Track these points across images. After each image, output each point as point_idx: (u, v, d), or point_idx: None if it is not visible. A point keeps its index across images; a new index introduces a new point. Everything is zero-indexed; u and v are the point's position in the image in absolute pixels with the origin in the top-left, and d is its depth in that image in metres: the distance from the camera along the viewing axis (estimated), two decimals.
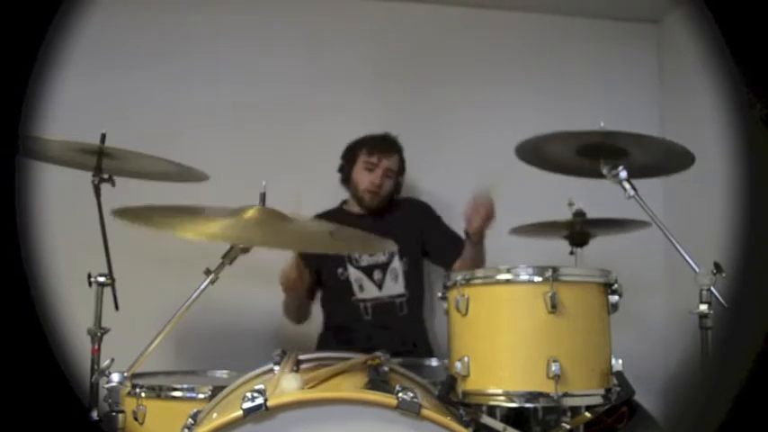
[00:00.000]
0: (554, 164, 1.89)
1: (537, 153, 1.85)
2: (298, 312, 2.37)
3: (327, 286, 2.40)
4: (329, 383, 1.34)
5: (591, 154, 1.73)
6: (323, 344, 2.36)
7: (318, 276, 2.39)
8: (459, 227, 2.61)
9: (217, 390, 1.57)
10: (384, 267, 2.37)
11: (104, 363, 1.36)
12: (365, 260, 2.36)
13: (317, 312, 2.46)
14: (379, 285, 2.36)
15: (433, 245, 2.44)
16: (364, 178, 2.35)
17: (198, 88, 2.68)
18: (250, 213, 1.46)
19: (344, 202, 2.49)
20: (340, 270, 2.36)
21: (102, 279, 1.69)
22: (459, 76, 2.88)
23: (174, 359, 2.37)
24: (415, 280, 2.41)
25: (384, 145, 2.38)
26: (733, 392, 0.89)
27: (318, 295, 2.44)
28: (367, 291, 2.35)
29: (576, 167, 1.85)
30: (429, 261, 2.50)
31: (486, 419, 1.45)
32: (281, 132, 2.72)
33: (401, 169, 2.44)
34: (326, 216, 2.37)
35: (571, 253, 2.23)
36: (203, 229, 1.44)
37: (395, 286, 2.36)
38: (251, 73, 2.74)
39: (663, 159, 1.82)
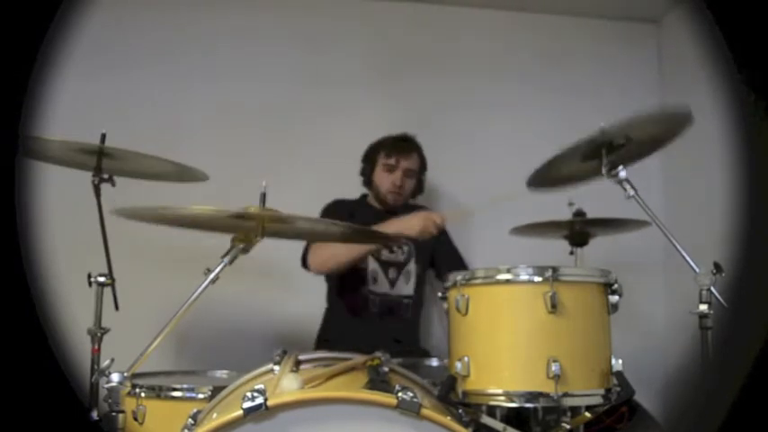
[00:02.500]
0: (562, 179, 1.90)
1: (545, 177, 1.86)
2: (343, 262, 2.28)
3: (345, 273, 2.37)
4: (329, 383, 1.34)
5: (595, 155, 1.73)
6: (322, 338, 2.37)
7: None
8: (455, 234, 2.62)
9: (217, 390, 1.57)
10: (400, 267, 2.39)
11: (104, 363, 1.35)
12: (385, 255, 2.38)
13: (316, 314, 2.46)
14: (392, 283, 2.37)
15: (440, 260, 2.46)
16: (385, 180, 2.37)
17: (198, 88, 2.69)
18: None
19: (365, 195, 2.50)
20: None
21: (102, 279, 1.69)
22: (459, 77, 2.88)
23: (174, 359, 2.37)
24: (422, 285, 2.43)
25: (402, 145, 2.39)
26: (733, 392, 0.89)
27: (325, 288, 2.44)
28: (379, 284, 2.36)
29: (581, 175, 1.85)
30: (432, 271, 2.51)
31: (485, 419, 1.45)
32: (281, 132, 2.72)
33: (422, 167, 2.46)
34: (348, 204, 2.41)
35: (571, 253, 2.23)
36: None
37: (405, 287, 2.38)
38: (251, 73, 2.74)
39: (662, 128, 1.81)
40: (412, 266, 2.40)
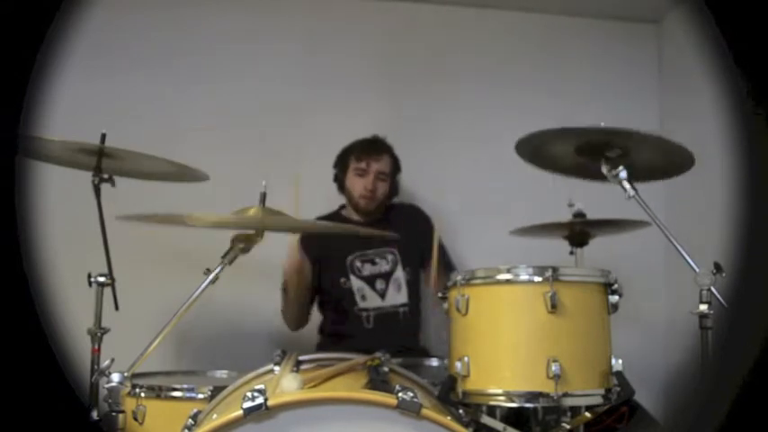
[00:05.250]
0: (553, 163, 1.89)
1: (537, 152, 1.85)
2: (297, 318, 2.34)
3: (329, 295, 2.38)
4: (329, 383, 1.34)
5: (590, 153, 1.73)
6: (321, 350, 2.36)
7: (319, 284, 2.37)
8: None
9: (217, 390, 1.57)
10: (387, 277, 2.36)
11: (104, 363, 1.36)
12: (367, 269, 2.35)
13: (315, 314, 2.46)
14: (382, 295, 2.35)
15: (425, 253, 2.35)
16: (357, 185, 2.34)
17: (198, 88, 2.68)
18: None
19: (342, 206, 2.47)
20: (342, 279, 2.34)
21: (102, 279, 1.69)
22: (459, 77, 2.88)
23: (174, 359, 2.37)
24: (416, 289, 2.40)
25: (372, 148, 2.36)
26: (733, 392, 0.89)
27: (316, 300, 2.43)
28: (369, 300, 2.34)
29: (575, 167, 1.85)
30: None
31: (485, 419, 1.45)
32: (281, 132, 2.72)
33: (394, 169, 2.42)
34: (324, 219, 2.35)
35: (571, 253, 2.23)
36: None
37: (398, 296, 2.35)
38: (251, 73, 2.74)
39: (662, 159, 1.82)
40: (400, 274, 2.37)
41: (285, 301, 2.25)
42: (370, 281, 2.35)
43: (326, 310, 2.42)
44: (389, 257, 2.37)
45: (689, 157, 1.71)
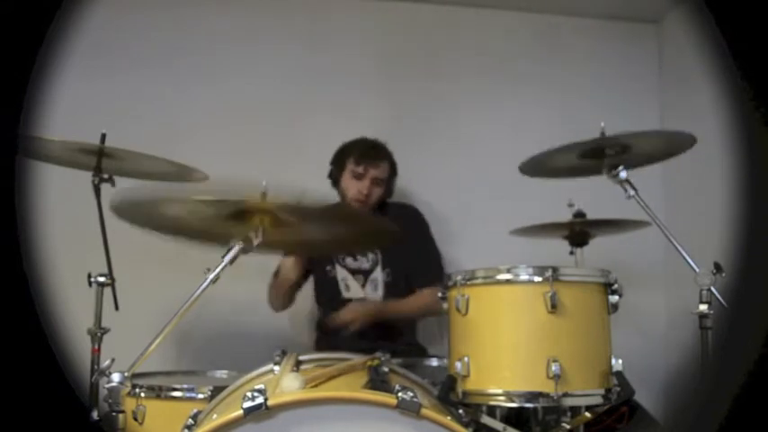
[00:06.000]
0: (558, 171, 1.91)
1: (541, 167, 1.86)
2: (283, 300, 2.39)
3: (318, 283, 2.42)
4: (329, 383, 1.34)
5: (594, 155, 1.74)
6: (318, 346, 2.37)
7: (309, 272, 2.40)
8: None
9: (217, 390, 1.57)
10: (366, 274, 2.35)
11: (104, 363, 1.35)
12: (350, 263, 2.35)
13: (315, 314, 2.46)
14: (362, 286, 2.35)
15: (410, 257, 2.34)
16: (352, 187, 2.31)
17: (198, 88, 2.68)
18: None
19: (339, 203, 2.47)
20: (328, 267, 2.36)
21: (102, 279, 1.69)
22: (459, 77, 2.88)
23: (174, 359, 2.37)
24: (398, 292, 2.34)
25: (372, 154, 2.34)
26: (733, 392, 0.89)
27: (312, 295, 2.45)
28: (353, 290, 2.34)
29: (579, 170, 1.85)
30: None
31: (485, 419, 1.45)
32: (281, 132, 2.72)
33: (391, 175, 2.40)
34: None
35: (571, 253, 2.23)
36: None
37: (374, 294, 2.33)
38: (251, 73, 2.74)
39: (664, 146, 1.82)
40: (378, 274, 2.35)
41: (273, 282, 2.33)
42: (353, 273, 2.36)
43: (321, 304, 2.43)
44: (370, 256, 2.36)
45: (689, 138, 1.71)
